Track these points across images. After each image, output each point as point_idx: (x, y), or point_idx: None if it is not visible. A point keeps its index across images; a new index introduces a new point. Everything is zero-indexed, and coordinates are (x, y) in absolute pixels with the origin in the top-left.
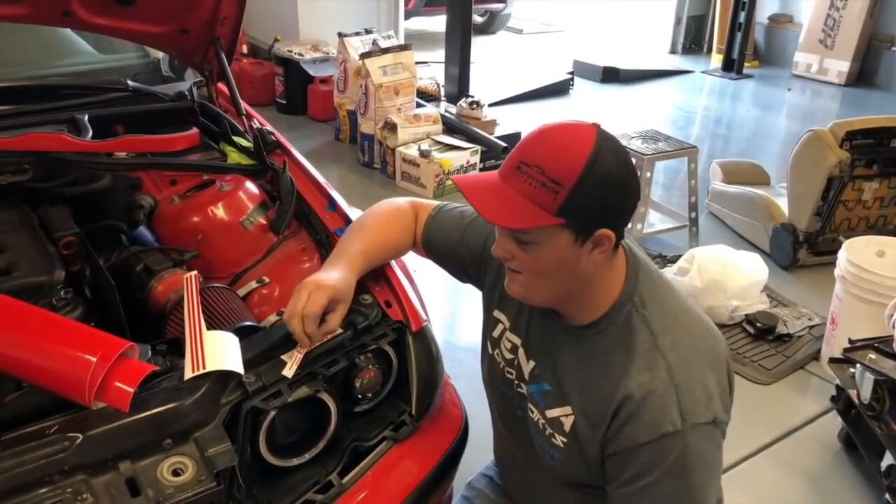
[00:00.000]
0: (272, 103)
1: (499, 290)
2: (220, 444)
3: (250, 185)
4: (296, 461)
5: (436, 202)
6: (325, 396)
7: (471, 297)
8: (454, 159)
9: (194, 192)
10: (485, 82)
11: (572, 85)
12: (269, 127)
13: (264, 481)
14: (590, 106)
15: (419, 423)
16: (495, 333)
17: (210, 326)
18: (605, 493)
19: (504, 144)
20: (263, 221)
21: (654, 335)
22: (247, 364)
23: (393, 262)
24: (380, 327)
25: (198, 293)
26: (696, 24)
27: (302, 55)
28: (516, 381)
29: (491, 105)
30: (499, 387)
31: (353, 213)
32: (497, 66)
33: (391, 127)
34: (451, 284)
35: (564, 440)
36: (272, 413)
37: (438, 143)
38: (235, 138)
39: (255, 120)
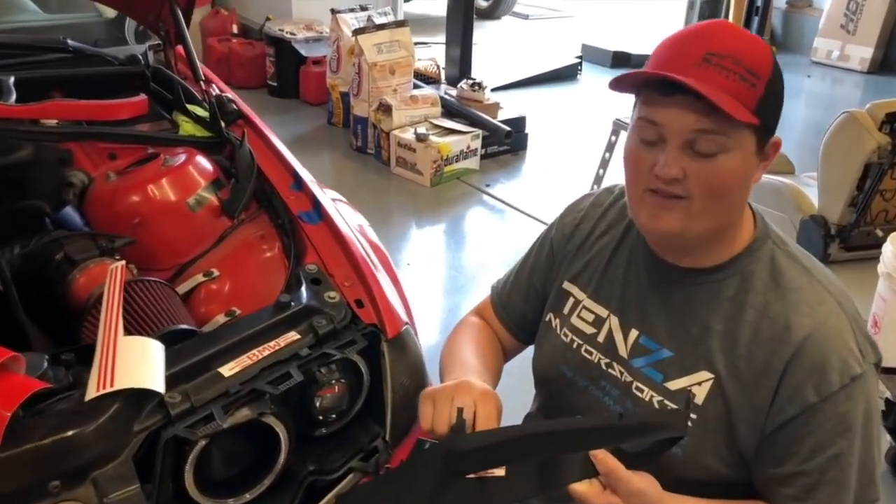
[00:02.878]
0: (263, 86)
1: (568, 259)
2: (127, 487)
3: (202, 160)
4: (232, 502)
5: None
6: (272, 421)
7: (477, 290)
8: (453, 144)
9: (134, 169)
10: (488, 66)
11: (580, 70)
12: (230, 94)
13: None
14: (599, 92)
15: (395, 450)
16: (565, 309)
17: (133, 330)
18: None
19: (508, 128)
20: (215, 203)
21: (809, 271)
22: (172, 379)
23: (370, 252)
24: (347, 332)
25: (121, 288)
26: (710, 7)
27: (294, 34)
28: (605, 361)
29: (494, 90)
30: (567, 376)
31: (325, 193)
32: (501, 50)
33: (386, 109)
34: (453, 276)
35: (694, 416)
36: (201, 443)
37: (437, 126)
38: (191, 107)
39: (214, 86)
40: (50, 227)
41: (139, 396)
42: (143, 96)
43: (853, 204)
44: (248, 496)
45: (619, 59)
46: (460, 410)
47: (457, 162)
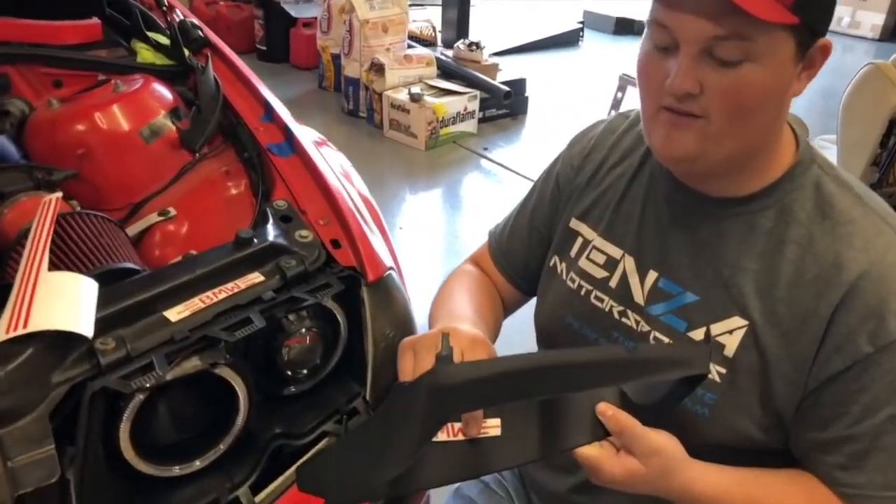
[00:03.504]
0: (252, 50)
1: (576, 195)
2: (38, 449)
3: (159, 88)
4: (178, 470)
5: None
6: (226, 373)
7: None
8: (449, 105)
9: (79, 95)
10: (486, 30)
11: (582, 36)
12: (194, 20)
13: (130, 500)
14: (601, 59)
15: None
16: (572, 252)
17: (65, 269)
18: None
19: (507, 89)
20: (173, 134)
21: (862, 199)
22: (105, 323)
23: (349, 191)
24: (321, 276)
25: (52, 220)
26: None
27: None
28: (618, 309)
29: (492, 55)
30: (574, 327)
31: (299, 127)
32: (500, 14)
33: (378, 68)
34: (449, 241)
35: (723, 370)
36: (138, 397)
37: (432, 87)
38: (151, 34)
39: (177, 11)
40: None
41: (62, 342)
42: (95, 20)
43: (876, 163)
44: (197, 463)
45: (622, 25)
46: (445, 336)
47: (453, 124)
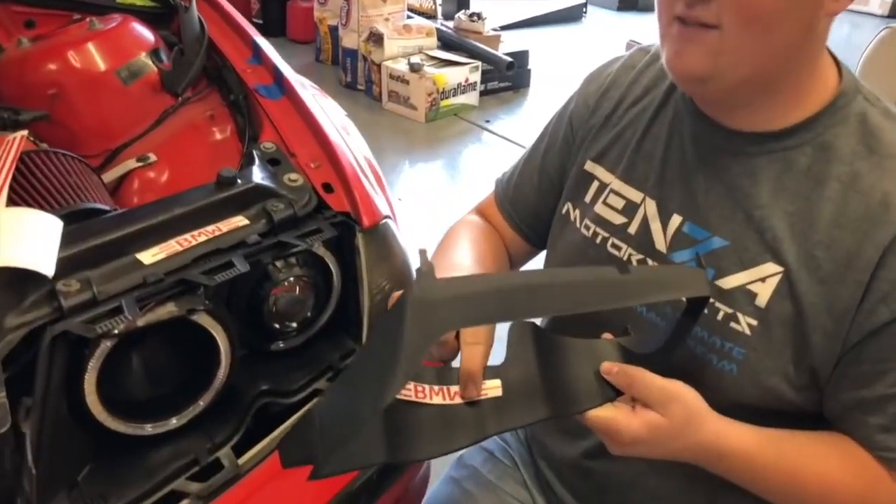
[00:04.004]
0: None
1: (592, 135)
2: None
3: (139, 27)
4: (151, 428)
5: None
6: (205, 320)
7: None
8: (450, 75)
9: (52, 33)
10: (487, 4)
11: (585, 12)
12: None
13: (100, 460)
14: (604, 35)
15: None
16: (587, 196)
17: (29, 206)
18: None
19: (510, 59)
20: (154, 75)
21: None
22: (69, 262)
23: (342, 136)
24: (311, 221)
25: (14, 158)
26: None
27: None
28: (637, 258)
29: (494, 30)
30: None
31: (289, 69)
32: None
33: (377, 39)
34: (449, 212)
35: (754, 322)
36: (105, 344)
37: (432, 58)
38: None
39: None
40: None
41: (18, 282)
42: None
43: None
44: (174, 421)
45: (626, 0)
46: (423, 252)
47: (454, 96)
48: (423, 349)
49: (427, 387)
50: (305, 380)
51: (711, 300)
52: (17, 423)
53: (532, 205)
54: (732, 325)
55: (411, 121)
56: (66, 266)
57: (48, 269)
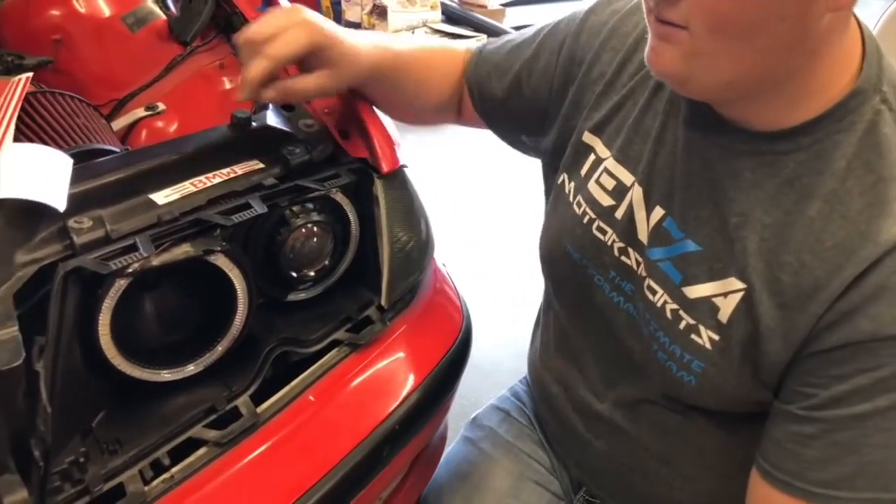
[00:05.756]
0: None
1: (592, 101)
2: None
3: None
4: (167, 375)
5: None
6: (222, 262)
7: (480, 194)
8: None
9: None
10: None
11: None
12: None
13: (115, 406)
14: None
15: (392, 321)
16: (583, 170)
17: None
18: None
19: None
20: (161, 23)
21: None
22: (80, 199)
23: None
24: (328, 166)
25: (19, 98)
26: None
27: None
28: (619, 245)
29: (499, 5)
30: (573, 257)
31: None
32: None
33: (380, 11)
34: (453, 186)
35: (716, 336)
36: (120, 283)
37: (437, 31)
38: None
39: None
40: None
41: (27, 218)
42: None
43: None
44: (191, 367)
45: None
46: None
47: None
48: None
49: None
50: (324, 330)
51: (679, 307)
52: (31, 361)
53: (494, 90)
54: (693, 336)
55: None
56: (77, 204)
57: (59, 203)
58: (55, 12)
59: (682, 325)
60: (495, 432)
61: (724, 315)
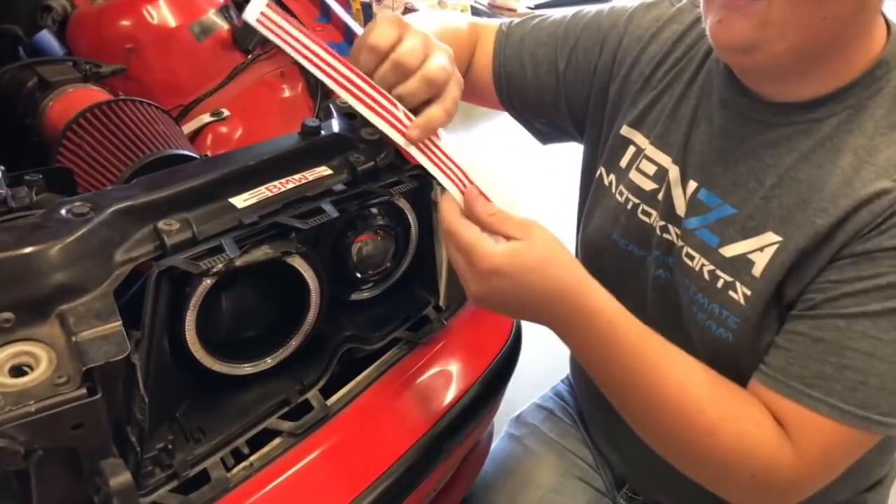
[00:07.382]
0: None
1: (631, 96)
2: (105, 325)
3: None
4: (248, 368)
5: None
6: (298, 263)
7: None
8: None
9: None
10: None
11: None
12: None
13: (197, 397)
14: None
15: (450, 320)
16: (623, 162)
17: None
18: None
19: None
20: (225, 32)
21: None
22: (166, 204)
23: None
24: (390, 172)
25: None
26: None
27: None
28: (660, 224)
29: (529, 8)
30: (620, 245)
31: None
32: None
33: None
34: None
35: (748, 291)
36: (206, 282)
37: None
38: None
39: None
40: (23, 56)
41: (122, 221)
42: None
43: None
44: (269, 361)
45: None
46: None
47: None
48: None
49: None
50: (385, 329)
51: (715, 268)
52: (129, 354)
53: (522, 79)
54: (730, 293)
55: None
56: (166, 206)
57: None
58: (127, 22)
59: (720, 283)
60: (539, 430)
61: (758, 269)
